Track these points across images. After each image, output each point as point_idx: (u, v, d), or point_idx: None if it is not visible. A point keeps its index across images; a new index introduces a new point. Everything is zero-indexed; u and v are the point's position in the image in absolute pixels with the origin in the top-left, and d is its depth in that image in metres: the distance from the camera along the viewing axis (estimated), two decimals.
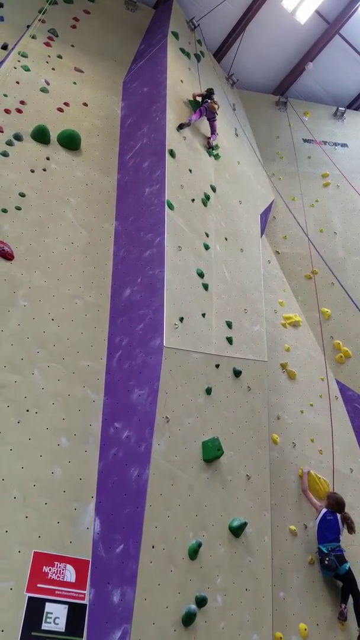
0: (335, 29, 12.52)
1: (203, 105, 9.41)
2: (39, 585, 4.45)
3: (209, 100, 9.48)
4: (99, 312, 6.28)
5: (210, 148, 9.23)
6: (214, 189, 8.40)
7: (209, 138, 9.39)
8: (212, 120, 9.48)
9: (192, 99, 9.59)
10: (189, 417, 5.56)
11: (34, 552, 4.53)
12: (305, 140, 12.77)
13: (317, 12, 12.18)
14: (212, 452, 5.50)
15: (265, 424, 6.30)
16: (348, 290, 9.81)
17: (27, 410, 5.13)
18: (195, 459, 5.41)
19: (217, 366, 6.27)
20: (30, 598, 4.37)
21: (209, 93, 9.72)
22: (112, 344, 6.03)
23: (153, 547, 4.67)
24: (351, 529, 6.18)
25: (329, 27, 12.53)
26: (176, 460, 5.21)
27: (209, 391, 5.96)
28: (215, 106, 9.47)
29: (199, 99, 9.63)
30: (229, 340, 6.71)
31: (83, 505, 4.87)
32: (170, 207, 6.99)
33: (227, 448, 5.70)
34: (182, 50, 10.56)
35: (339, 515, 6.22)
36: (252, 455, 5.99)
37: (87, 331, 6.03)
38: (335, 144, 12.86)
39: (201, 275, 6.93)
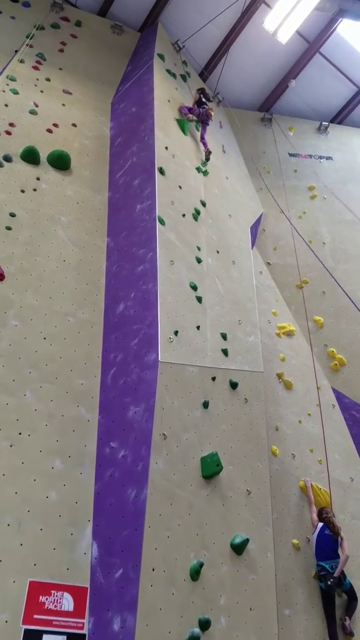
0: (316, 48, 12.43)
1: (200, 105, 9.63)
2: (35, 616, 4.13)
3: (207, 107, 9.68)
4: (92, 328, 6.06)
5: (207, 156, 9.30)
6: (203, 204, 8.27)
7: (205, 151, 9.43)
8: (205, 123, 9.65)
9: (182, 117, 9.48)
10: (186, 432, 5.29)
11: (30, 581, 4.24)
12: (291, 155, 12.69)
13: (298, 32, 12.08)
14: (211, 468, 5.22)
15: (264, 436, 6.04)
16: (338, 297, 9.58)
17: (20, 433, 4.86)
18: (194, 476, 5.12)
19: (214, 379, 6.02)
20: (26, 630, 4.05)
21: (203, 94, 9.89)
22: (107, 361, 5.80)
23: (153, 569, 4.37)
24: (335, 534, 5.83)
25: (310, 46, 12.44)
26: (174, 478, 4.92)
27: (205, 405, 5.70)
28: (212, 112, 9.70)
29: (193, 116, 9.64)
30: (224, 352, 6.48)
31: (80, 529, 4.58)
32: (162, 222, 6.84)
33: (226, 463, 5.43)
34: (169, 71, 10.46)
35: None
36: (252, 469, 5.70)
37: (81, 349, 5.79)
38: (320, 157, 12.75)
39: (194, 288, 6.74)
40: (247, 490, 5.51)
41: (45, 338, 5.61)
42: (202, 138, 9.62)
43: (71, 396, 5.35)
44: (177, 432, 5.18)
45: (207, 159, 9.35)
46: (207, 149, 9.44)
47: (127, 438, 5.04)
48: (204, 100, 10.02)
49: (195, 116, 9.65)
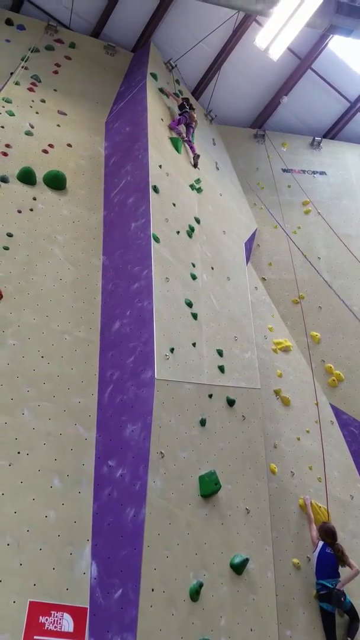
0: (307, 64, 12.74)
1: (183, 114, 10.03)
2: (35, 637, 4.15)
3: (188, 109, 10.14)
4: (88, 346, 6.12)
5: (195, 161, 9.65)
6: (198, 221, 8.40)
7: (193, 155, 9.80)
8: (190, 127, 10.13)
9: (175, 135, 9.69)
10: (184, 451, 5.34)
11: (30, 601, 4.25)
12: (284, 170, 12.88)
13: (289, 49, 12.39)
14: (209, 487, 5.26)
15: (263, 454, 6.08)
16: (335, 312, 9.70)
17: (18, 452, 4.90)
18: (193, 495, 5.16)
19: (210, 396, 6.08)
20: None
21: (186, 102, 10.38)
22: (103, 379, 5.85)
23: (153, 590, 4.40)
24: (342, 562, 5.85)
25: (301, 62, 12.75)
26: (173, 497, 4.96)
27: (203, 422, 5.76)
28: (194, 114, 10.21)
29: (182, 131, 9.97)
30: (221, 368, 6.55)
31: (79, 549, 4.60)
32: (156, 240, 6.94)
33: (224, 481, 5.47)
34: (161, 90, 10.68)
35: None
36: (251, 487, 5.74)
37: (78, 367, 5.86)
38: (314, 172, 12.96)
39: (190, 305, 6.83)
40: (246, 509, 5.54)
41: (42, 357, 5.68)
42: (189, 142, 9.93)
43: (69, 414, 5.39)
44: (174, 451, 5.23)
45: (196, 164, 9.63)
46: (195, 153, 9.75)
47: (125, 457, 5.08)
48: (186, 106, 10.38)
49: (183, 123, 10.02)
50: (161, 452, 5.07)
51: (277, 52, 12.22)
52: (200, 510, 5.14)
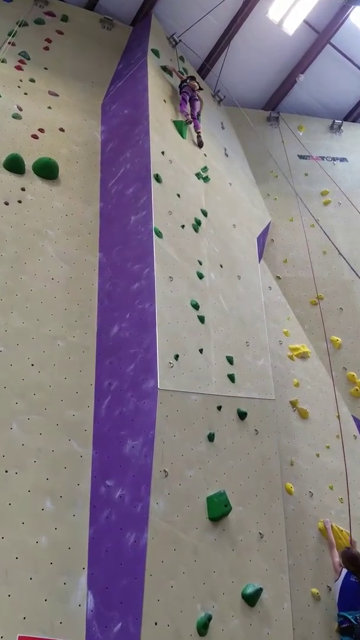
0: (326, 38, 12.75)
1: (183, 90, 10.11)
2: None
3: (188, 81, 10.26)
4: (84, 353, 6.17)
5: (199, 139, 9.83)
6: (205, 214, 8.42)
7: (198, 133, 9.93)
8: (194, 99, 10.20)
9: (180, 118, 9.74)
10: (190, 469, 5.35)
11: (19, 636, 4.27)
12: (300, 157, 12.86)
13: (306, 22, 12.45)
14: (218, 509, 5.27)
15: (278, 472, 6.09)
16: (357, 314, 9.70)
17: (6, 471, 4.93)
18: (200, 518, 5.17)
19: (219, 408, 6.10)
20: None
21: (190, 79, 10.52)
22: (100, 389, 5.89)
23: (156, 623, 4.41)
24: None
25: (319, 36, 12.76)
26: (178, 520, 4.98)
27: (211, 437, 5.77)
28: (195, 84, 10.30)
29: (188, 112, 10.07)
30: (231, 377, 6.57)
31: (73, 578, 4.62)
32: (159, 235, 6.98)
33: (235, 503, 5.47)
34: (164, 68, 10.72)
35: None
36: (265, 509, 5.75)
37: (72, 376, 5.89)
38: (334, 159, 12.94)
39: (196, 307, 6.86)
40: (260, 533, 5.55)
41: (32, 365, 5.72)
42: (194, 119, 10.03)
43: (62, 429, 5.41)
44: (179, 469, 5.24)
45: (200, 144, 9.73)
46: (198, 131, 9.89)
47: (125, 476, 5.09)
48: (186, 79, 10.52)
49: (187, 101, 10.10)
50: (165, 471, 5.08)
51: (292, 26, 12.34)
52: (209, 535, 5.15)
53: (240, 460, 5.89)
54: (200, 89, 10.66)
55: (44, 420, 5.39)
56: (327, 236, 10.06)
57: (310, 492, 6.84)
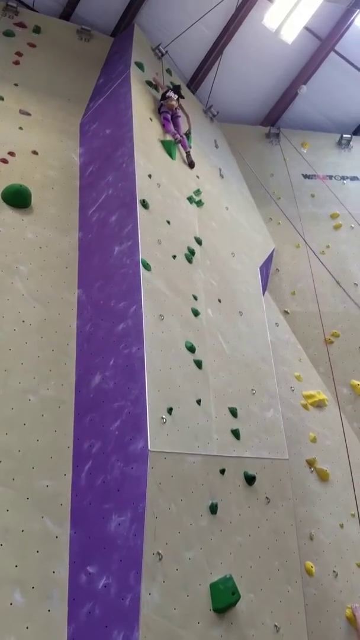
0: (330, 45, 13.08)
1: (162, 111, 10.21)
2: None
3: (166, 100, 10.34)
4: (60, 409, 6.04)
5: (189, 159, 9.91)
6: (199, 242, 8.41)
7: (187, 153, 10.05)
8: (176, 117, 10.28)
9: (166, 138, 9.82)
10: (189, 549, 5.10)
11: None
12: (305, 176, 13.13)
13: (307, 28, 12.67)
14: (224, 598, 5.00)
15: (295, 549, 5.84)
16: None
17: None
18: (202, 610, 4.89)
19: (223, 472, 5.89)
20: None
21: (175, 90, 10.66)
22: (79, 453, 5.72)
23: None
24: None
25: (322, 43, 13.08)
26: (176, 614, 4.70)
27: (213, 509, 5.53)
28: (173, 103, 10.34)
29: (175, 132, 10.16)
30: (235, 433, 6.39)
31: None
32: (147, 267, 6.92)
33: (244, 590, 5.21)
34: (149, 83, 10.93)
35: None
36: (281, 595, 5.48)
37: (45, 437, 5.73)
38: (343, 178, 13.18)
39: (192, 349, 6.74)
40: (275, 625, 5.28)
41: None
42: (181, 135, 10.13)
43: (33, 503, 5.23)
44: (176, 550, 5.02)
45: (191, 164, 9.81)
46: (187, 150, 9.96)
47: (110, 560, 4.88)
48: (169, 95, 10.58)
49: (169, 120, 10.20)
50: (158, 553, 4.86)
51: (291, 33, 12.53)
52: (213, 631, 4.88)
53: (250, 536, 5.67)
54: (180, 97, 10.69)
55: (12, 494, 5.20)
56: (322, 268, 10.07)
57: (334, 571, 6.68)
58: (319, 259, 10.85)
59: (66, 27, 12.09)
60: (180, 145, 9.98)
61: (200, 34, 12.52)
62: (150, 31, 12.48)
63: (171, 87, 10.98)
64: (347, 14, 12.44)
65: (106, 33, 12.53)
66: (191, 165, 9.84)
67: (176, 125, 10.21)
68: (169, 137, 9.87)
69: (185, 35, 12.03)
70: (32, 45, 11.09)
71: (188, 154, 9.95)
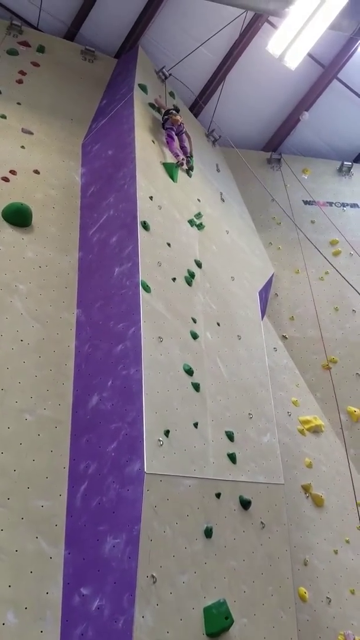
0: (333, 72, 13.22)
1: (166, 127, 10.36)
2: None
3: (170, 115, 10.52)
4: (56, 429, 6.06)
5: (183, 164, 10.11)
6: (199, 265, 8.49)
7: (179, 157, 10.18)
8: (180, 134, 10.46)
9: (167, 160, 9.94)
10: (183, 573, 5.14)
11: None
12: (306, 202, 13.17)
13: (310, 55, 12.88)
14: (218, 623, 5.04)
15: (289, 575, 5.88)
16: None
17: None
18: (196, 634, 4.93)
19: (218, 495, 5.94)
20: None
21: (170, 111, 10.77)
22: (75, 474, 5.73)
23: None
24: None
25: (325, 71, 13.23)
26: (169, 637, 4.73)
27: (208, 533, 5.59)
28: (178, 118, 10.54)
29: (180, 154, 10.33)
30: (232, 457, 6.44)
31: None
32: (146, 289, 6.99)
33: (237, 614, 5.25)
34: (152, 105, 11.03)
35: None
36: (274, 621, 5.50)
37: (41, 457, 5.75)
38: (344, 205, 13.23)
39: (190, 372, 6.80)
40: None
41: None
42: (183, 149, 10.39)
43: (28, 524, 5.24)
44: (171, 573, 5.05)
45: (189, 167, 10.00)
46: (185, 156, 10.19)
47: (104, 582, 4.89)
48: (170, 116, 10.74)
49: (174, 138, 10.38)
50: (153, 576, 4.90)
51: (294, 60, 12.68)
52: None
53: (244, 561, 5.70)
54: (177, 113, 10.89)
55: (6, 513, 5.21)
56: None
57: (327, 597, 6.69)
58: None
59: (70, 47, 12.23)
60: (181, 159, 10.12)
61: (204, 58, 12.67)
62: (154, 53, 12.62)
63: (172, 109, 11.18)
64: (351, 42, 12.64)
65: (110, 54, 12.66)
66: (190, 169, 10.10)
67: (181, 140, 10.40)
68: (170, 160, 9.98)
69: (189, 59, 12.19)
70: (36, 65, 11.20)
71: (184, 160, 10.13)
